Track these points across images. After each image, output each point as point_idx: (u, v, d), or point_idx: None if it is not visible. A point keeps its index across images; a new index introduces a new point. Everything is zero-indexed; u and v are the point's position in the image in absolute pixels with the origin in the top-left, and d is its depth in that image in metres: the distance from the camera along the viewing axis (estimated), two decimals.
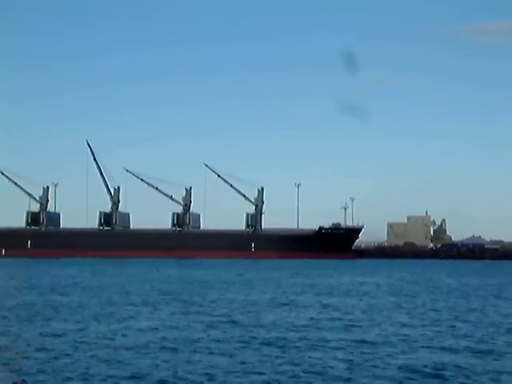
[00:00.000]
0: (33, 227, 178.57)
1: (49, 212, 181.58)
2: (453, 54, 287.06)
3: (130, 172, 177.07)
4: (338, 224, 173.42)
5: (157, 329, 32.22)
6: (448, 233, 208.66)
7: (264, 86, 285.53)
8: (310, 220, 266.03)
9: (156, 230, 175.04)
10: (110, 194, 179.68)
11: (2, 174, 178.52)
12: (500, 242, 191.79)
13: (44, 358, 24.54)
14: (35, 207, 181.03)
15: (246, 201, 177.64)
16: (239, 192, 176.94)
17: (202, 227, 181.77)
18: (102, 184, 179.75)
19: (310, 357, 24.93)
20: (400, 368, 23.00)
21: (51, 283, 65.80)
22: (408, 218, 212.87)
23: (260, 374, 22.04)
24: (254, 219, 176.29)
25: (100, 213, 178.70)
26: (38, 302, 45.57)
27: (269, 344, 27.80)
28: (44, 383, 20.79)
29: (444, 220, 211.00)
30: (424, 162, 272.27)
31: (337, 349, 26.92)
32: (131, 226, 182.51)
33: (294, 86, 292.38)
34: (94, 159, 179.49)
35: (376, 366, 23.23)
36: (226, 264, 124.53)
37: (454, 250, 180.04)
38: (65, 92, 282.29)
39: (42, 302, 45.02)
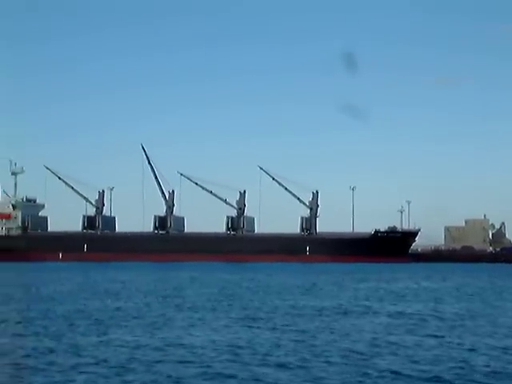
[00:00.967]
0: (89, 231, 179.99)
1: (104, 216, 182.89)
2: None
3: (185, 176, 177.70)
4: (394, 227, 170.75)
5: (224, 337, 31.02)
6: (508, 236, 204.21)
7: (318, 89, 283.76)
8: (366, 223, 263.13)
9: (210, 233, 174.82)
10: (165, 197, 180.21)
11: (59, 178, 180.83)
12: None
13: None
14: (91, 211, 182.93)
15: (301, 204, 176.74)
16: (294, 195, 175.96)
17: (256, 231, 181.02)
18: (157, 188, 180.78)
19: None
20: None
21: (108, 288, 65.39)
22: (466, 222, 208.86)
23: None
24: (309, 223, 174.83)
25: (155, 217, 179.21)
26: (99, 307, 44.97)
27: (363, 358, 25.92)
28: None
29: (503, 223, 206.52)
30: (481, 165, 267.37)
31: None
32: (186, 230, 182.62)
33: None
34: (149, 163, 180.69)
35: None
36: (282, 268, 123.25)
37: None
38: (120, 95, 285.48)
39: (101, 308, 44.40)
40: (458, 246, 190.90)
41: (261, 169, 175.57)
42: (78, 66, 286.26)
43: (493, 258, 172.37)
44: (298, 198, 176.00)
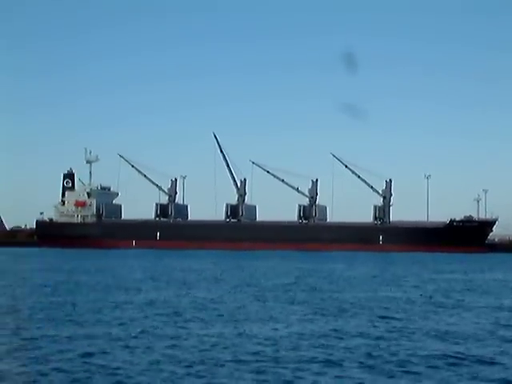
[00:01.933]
0: (162, 219, 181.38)
1: (177, 204, 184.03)
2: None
3: (256, 164, 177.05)
4: (471, 216, 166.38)
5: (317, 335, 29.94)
6: None
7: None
8: (441, 212, 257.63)
9: (282, 222, 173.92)
10: (237, 186, 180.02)
11: (133, 166, 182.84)
12: None
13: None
14: (164, 199, 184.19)
15: (374, 192, 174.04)
16: (367, 183, 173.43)
17: (328, 219, 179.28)
18: (229, 176, 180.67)
19: None
20: None
21: (185, 276, 65.15)
22: None
23: None
24: (382, 211, 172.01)
25: (226, 205, 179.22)
26: (179, 298, 44.50)
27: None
28: None
29: None
30: None
31: None
32: (257, 219, 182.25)
33: None
34: (221, 151, 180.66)
35: None
36: (355, 257, 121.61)
37: None
38: (193, 83, 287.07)
39: (182, 298, 43.92)
40: None
41: (333, 156, 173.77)
42: (153, 53, 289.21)
43: None
44: (371, 187, 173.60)
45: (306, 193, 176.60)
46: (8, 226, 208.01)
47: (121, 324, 30.89)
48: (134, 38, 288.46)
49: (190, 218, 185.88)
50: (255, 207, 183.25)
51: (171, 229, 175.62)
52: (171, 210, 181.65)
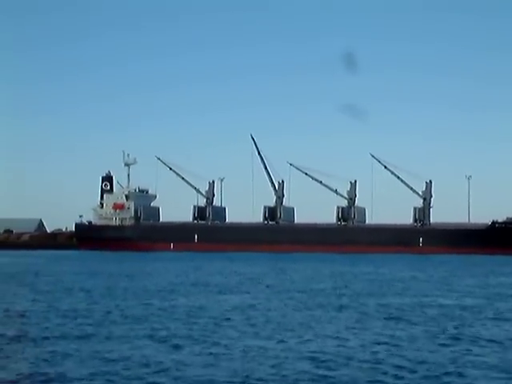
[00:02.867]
0: (199, 221, 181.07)
1: (215, 206, 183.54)
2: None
3: (294, 166, 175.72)
4: None
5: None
6: None
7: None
8: (482, 214, 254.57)
9: (320, 224, 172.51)
10: (275, 188, 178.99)
11: (170, 169, 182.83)
12: None
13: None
14: (202, 202, 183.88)
15: (414, 194, 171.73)
16: (407, 185, 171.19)
17: (367, 221, 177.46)
18: (267, 178, 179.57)
19: None
20: None
21: (225, 281, 64.37)
22: None
23: None
24: (422, 213, 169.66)
25: (264, 207, 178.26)
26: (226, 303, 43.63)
27: None
28: None
29: None
30: None
31: None
32: (295, 221, 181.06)
33: None
34: (259, 153, 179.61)
35: None
36: (395, 260, 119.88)
37: None
38: (230, 85, 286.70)
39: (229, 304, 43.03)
40: None
41: (372, 156, 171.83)
42: (192, 54, 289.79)
43: None
44: (411, 188, 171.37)
45: (345, 194, 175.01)
46: (49, 229, 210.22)
47: (164, 328, 30.15)
48: (174, 38, 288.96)
49: (227, 220, 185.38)
50: (293, 209, 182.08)
51: (209, 231, 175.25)
52: (209, 212, 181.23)
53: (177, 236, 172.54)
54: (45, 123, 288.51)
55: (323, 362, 23.26)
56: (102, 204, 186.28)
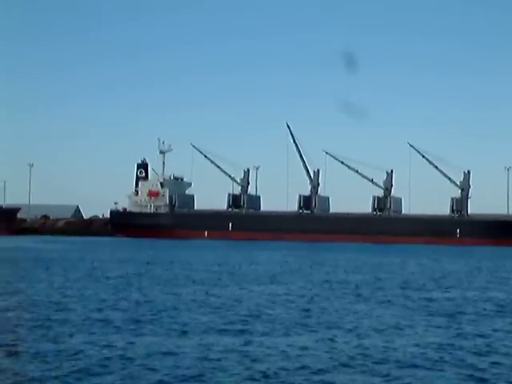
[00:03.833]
0: (234, 210, 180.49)
1: (249, 195, 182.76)
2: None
3: (330, 154, 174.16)
4: None
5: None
6: None
7: None
8: None
9: (356, 214, 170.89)
10: (310, 176, 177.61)
11: (206, 156, 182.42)
12: None
13: None
14: (237, 190, 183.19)
15: (452, 184, 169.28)
16: (445, 175, 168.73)
17: (403, 211, 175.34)
18: (302, 167, 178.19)
19: None
20: None
21: (264, 270, 63.45)
22: None
23: None
24: (460, 204, 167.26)
25: (299, 196, 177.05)
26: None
27: None
28: None
29: None
30: None
31: None
32: (330, 210, 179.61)
33: None
34: (294, 142, 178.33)
35: None
36: (433, 251, 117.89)
37: None
38: (267, 75, 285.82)
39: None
40: None
41: (410, 146, 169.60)
42: (226, 43, 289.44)
43: None
44: (449, 178, 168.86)
45: (381, 184, 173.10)
46: (86, 216, 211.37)
47: (207, 321, 29.32)
48: (203, 26, 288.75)
49: (262, 208, 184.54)
50: (328, 198, 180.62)
51: (244, 220, 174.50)
52: (244, 200, 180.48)
53: (211, 224, 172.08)
54: (81, 111, 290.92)
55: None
56: (136, 191, 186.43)
